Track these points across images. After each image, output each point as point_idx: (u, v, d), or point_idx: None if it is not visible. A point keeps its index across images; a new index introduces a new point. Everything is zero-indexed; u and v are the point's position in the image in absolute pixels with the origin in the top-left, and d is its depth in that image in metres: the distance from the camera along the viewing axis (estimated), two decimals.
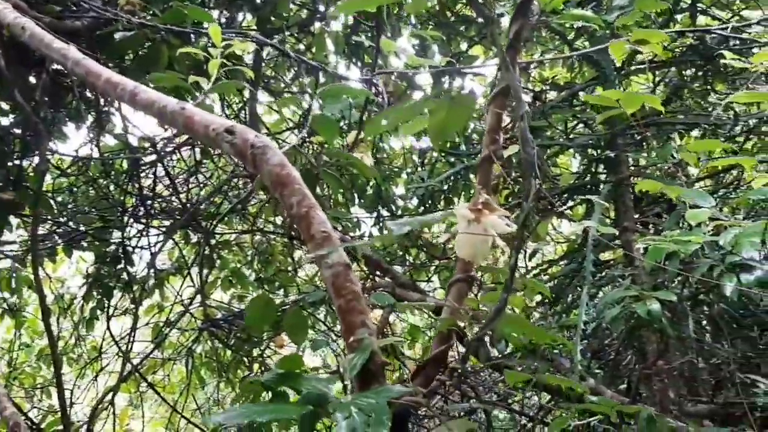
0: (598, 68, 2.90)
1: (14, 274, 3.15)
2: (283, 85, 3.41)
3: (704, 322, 2.96)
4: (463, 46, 3.71)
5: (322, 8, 3.26)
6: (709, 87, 3.19)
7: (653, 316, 2.11)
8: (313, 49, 3.38)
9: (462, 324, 1.07)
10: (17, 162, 2.60)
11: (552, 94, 3.50)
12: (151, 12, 2.07)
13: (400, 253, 3.65)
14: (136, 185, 2.92)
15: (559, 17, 2.28)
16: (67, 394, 3.08)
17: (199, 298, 3.21)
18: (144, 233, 3.05)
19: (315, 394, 0.75)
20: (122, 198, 2.92)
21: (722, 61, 1.81)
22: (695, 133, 3.46)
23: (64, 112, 2.61)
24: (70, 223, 2.97)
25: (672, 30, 2.25)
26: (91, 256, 3.00)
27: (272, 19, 2.87)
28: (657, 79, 3.37)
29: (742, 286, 1.93)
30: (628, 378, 3.16)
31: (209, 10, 2.96)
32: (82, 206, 2.89)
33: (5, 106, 2.61)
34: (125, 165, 3.01)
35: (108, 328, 3.04)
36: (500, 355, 3.07)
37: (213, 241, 3.29)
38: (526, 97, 3.66)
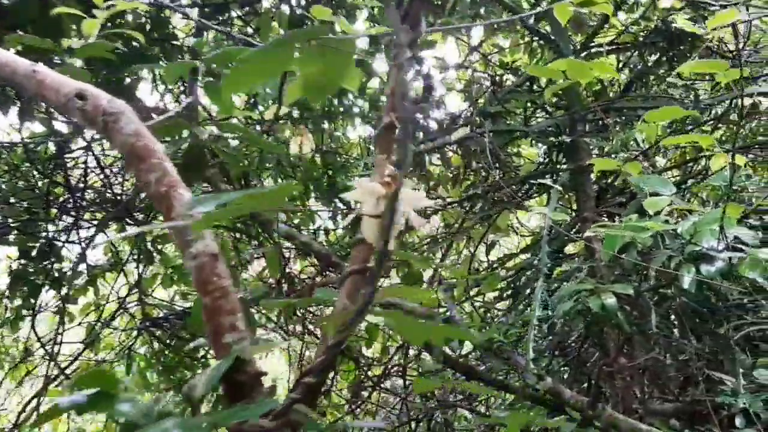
0: (556, 50, 2.77)
1: None
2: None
3: (672, 317, 2.86)
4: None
5: None
6: (671, 71, 3.08)
7: (608, 311, 1.99)
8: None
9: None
10: None
11: (513, 80, 3.37)
12: None
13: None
14: (62, 175, 2.72)
15: None
16: None
17: (136, 296, 3.04)
18: (75, 227, 2.86)
19: (131, 425, 0.59)
20: (47, 189, 2.72)
21: (674, 25, 1.68)
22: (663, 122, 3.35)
23: None
24: None
25: None
26: (15, 251, 2.81)
27: None
28: (620, 63, 3.26)
29: (701, 278, 1.81)
30: (589, 376, 3.05)
31: None
32: (4, 196, 2.69)
33: None
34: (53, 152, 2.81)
35: (32, 328, 2.85)
36: (456, 354, 2.95)
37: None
38: (486, 82, 3.54)
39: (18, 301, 2.85)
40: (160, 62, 2.70)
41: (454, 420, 3.76)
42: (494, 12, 2.50)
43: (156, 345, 3.14)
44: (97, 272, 3.00)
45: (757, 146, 2.87)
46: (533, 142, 3.39)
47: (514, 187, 3.00)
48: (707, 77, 2.76)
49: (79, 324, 3.11)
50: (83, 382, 0.61)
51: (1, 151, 2.69)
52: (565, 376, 3.25)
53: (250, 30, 3.45)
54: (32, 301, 2.80)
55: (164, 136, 1.33)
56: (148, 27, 2.59)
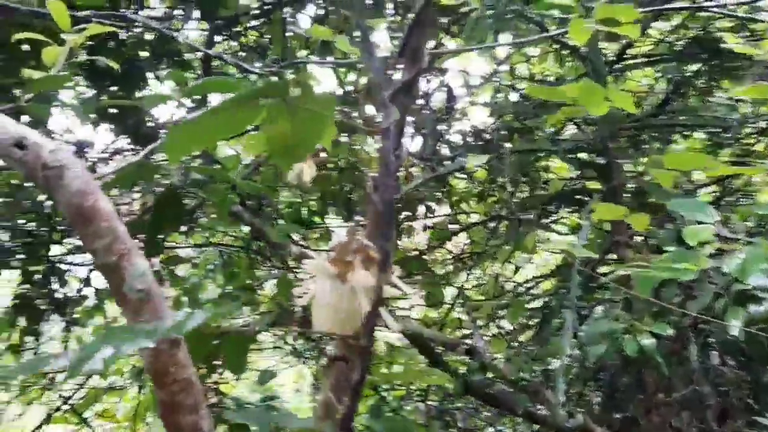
0: (588, 63, 2.60)
1: None
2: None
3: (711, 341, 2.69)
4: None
5: None
6: (714, 84, 2.89)
7: (647, 353, 1.82)
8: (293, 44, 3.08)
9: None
10: None
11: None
12: None
13: None
14: None
15: (533, 5, 2.00)
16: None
17: None
18: (80, 249, 2.76)
19: None
20: (52, 210, 2.63)
21: (722, 46, 1.52)
22: (700, 135, 3.17)
23: None
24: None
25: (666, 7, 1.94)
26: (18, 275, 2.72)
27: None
28: (656, 75, 3.08)
29: (750, 323, 1.64)
30: (625, 408, 2.88)
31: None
32: (6, 217, 2.59)
33: None
34: None
35: (36, 354, 2.76)
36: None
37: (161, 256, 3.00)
38: (513, 95, 3.37)
39: (19, 329, 2.76)
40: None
41: None
42: (519, 27, 2.35)
43: None
44: (103, 295, 2.90)
45: None
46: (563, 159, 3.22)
47: (540, 208, 2.84)
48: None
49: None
50: None
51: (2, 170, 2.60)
52: (596, 401, 3.09)
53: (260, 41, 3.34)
54: (35, 327, 2.71)
55: (129, 184, 1.22)
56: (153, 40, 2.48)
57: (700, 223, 1.86)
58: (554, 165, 3.73)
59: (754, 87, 1.43)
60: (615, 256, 2.80)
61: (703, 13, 2.56)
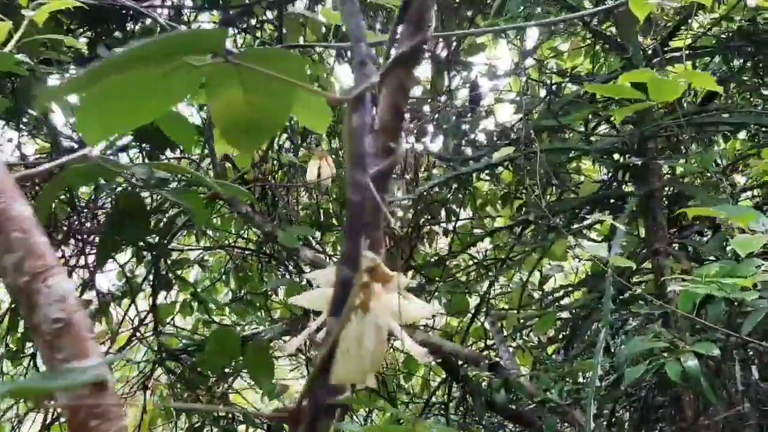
0: (624, 56, 2.42)
1: None
2: None
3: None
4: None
5: None
6: (761, 80, 2.69)
7: (690, 376, 1.64)
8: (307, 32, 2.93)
9: None
10: None
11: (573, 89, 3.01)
12: None
13: None
14: (68, 195, 2.50)
15: None
16: None
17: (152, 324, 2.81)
18: (82, 251, 2.64)
19: None
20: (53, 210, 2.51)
21: None
22: (743, 135, 2.96)
23: None
24: None
25: None
26: None
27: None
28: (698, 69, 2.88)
29: None
30: (661, 428, 2.70)
31: None
32: None
33: None
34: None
35: (33, 361, 2.65)
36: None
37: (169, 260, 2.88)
38: (541, 91, 3.19)
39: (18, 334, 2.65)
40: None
41: None
42: (551, 12, 2.18)
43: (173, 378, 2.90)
44: (107, 299, 2.78)
45: None
46: (594, 161, 3.03)
47: (570, 212, 2.66)
48: None
49: None
50: None
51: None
52: (627, 417, 2.91)
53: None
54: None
55: (79, 185, 1.08)
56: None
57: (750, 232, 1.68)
58: (585, 166, 3.53)
59: None
60: (651, 266, 2.61)
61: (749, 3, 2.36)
